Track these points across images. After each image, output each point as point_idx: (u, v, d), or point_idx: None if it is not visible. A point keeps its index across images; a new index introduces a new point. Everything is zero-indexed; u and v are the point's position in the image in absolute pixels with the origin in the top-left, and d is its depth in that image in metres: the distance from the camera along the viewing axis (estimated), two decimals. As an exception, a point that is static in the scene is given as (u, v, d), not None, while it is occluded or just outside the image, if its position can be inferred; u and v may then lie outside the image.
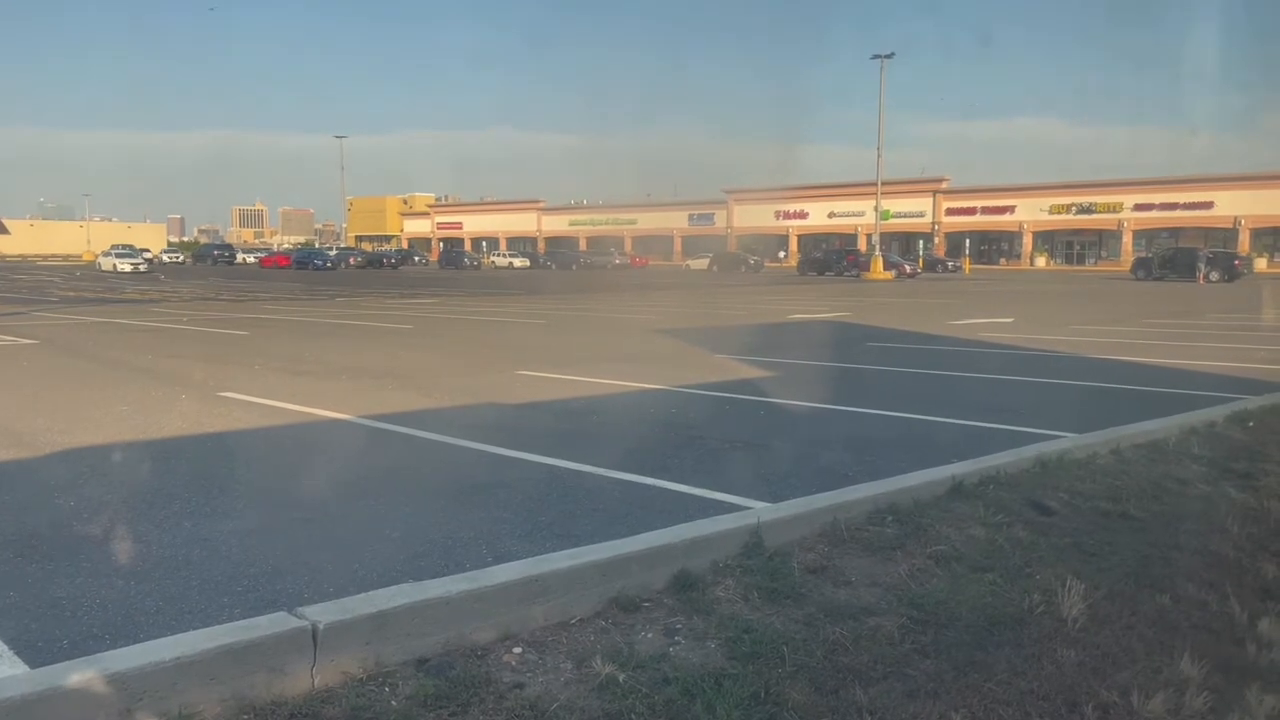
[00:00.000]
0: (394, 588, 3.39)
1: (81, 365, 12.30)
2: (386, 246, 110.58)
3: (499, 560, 4.04)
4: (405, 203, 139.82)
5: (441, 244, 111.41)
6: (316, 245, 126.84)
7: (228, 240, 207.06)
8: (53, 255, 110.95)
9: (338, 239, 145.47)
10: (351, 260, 74.87)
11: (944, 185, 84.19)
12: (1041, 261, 77.90)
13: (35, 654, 3.24)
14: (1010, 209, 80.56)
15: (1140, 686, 3.14)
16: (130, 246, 78.63)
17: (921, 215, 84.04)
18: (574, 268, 72.36)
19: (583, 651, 3.34)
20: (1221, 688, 3.17)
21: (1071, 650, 3.42)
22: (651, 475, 5.94)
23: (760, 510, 4.66)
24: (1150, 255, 56.30)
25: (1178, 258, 52.11)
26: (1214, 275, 47.94)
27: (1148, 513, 5.05)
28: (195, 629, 3.10)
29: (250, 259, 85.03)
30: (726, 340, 15.85)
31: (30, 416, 8.18)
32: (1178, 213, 72.73)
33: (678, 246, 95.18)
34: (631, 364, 12.39)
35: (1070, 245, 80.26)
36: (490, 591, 3.44)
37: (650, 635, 3.52)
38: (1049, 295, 33.76)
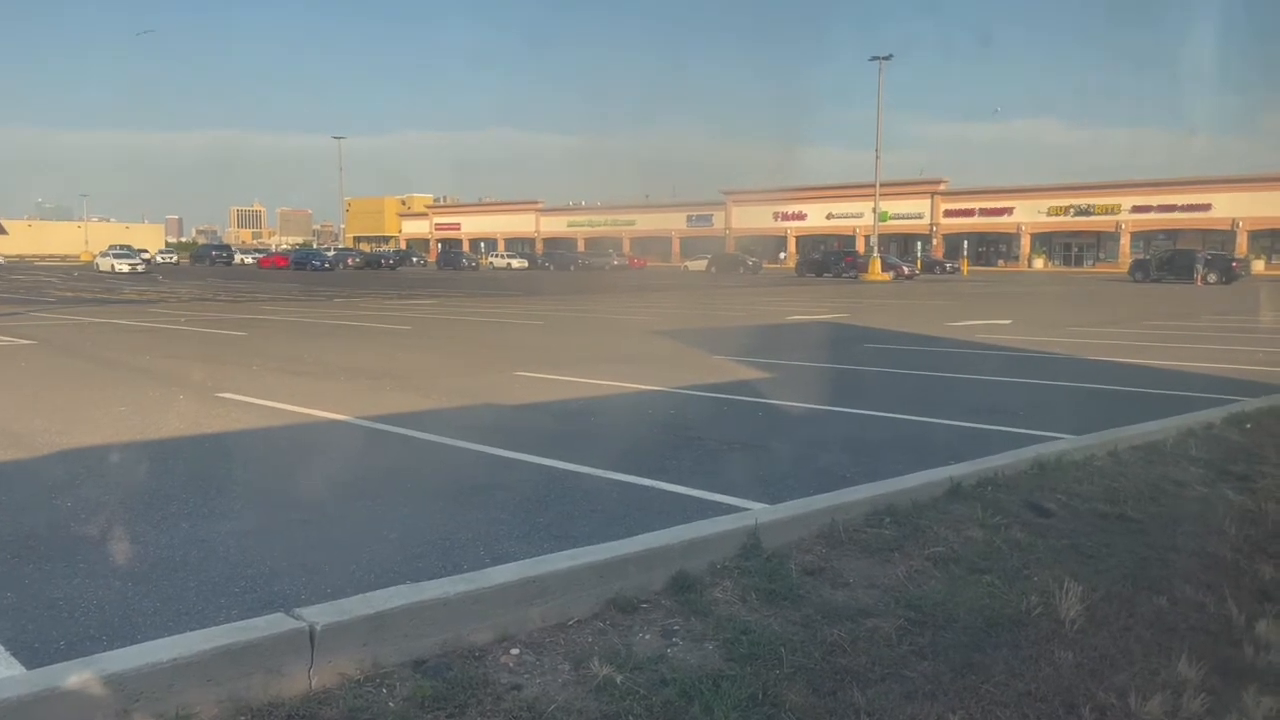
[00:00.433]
0: (391, 589, 3.38)
1: (79, 365, 12.29)
2: (385, 247, 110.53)
3: (497, 561, 4.03)
4: (403, 204, 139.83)
5: (439, 245, 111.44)
6: (314, 246, 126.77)
7: (226, 241, 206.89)
8: (50, 256, 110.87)
9: (335, 240, 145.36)
10: (349, 261, 74.84)
11: (942, 187, 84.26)
12: (1039, 263, 77.98)
13: (32, 655, 3.24)
14: (1008, 211, 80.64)
15: (1138, 688, 3.14)
16: (128, 247, 78.61)
17: (920, 217, 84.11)
18: (572, 269, 72.35)
19: (580, 653, 3.34)
20: (1219, 689, 3.17)
21: (1069, 652, 3.42)
22: (649, 476, 5.94)
23: (758, 512, 4.66)
24: (1148, 257, 56.38)
25: (1175, 259, 52.19)
26: (1211, 277, 48.01)
27: (1145, 514, 5.05)
28: (193, 630, 3.09)
29: (248, 259, 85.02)
30: (724, 341, 15.85)
31: (28, 417, 8.17)
32: (1175, 215, 72.83)
33: (676, 248, 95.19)
34: (629, 365, 12.40)
35: (1068, 247, 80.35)
36: (488, 593, 3.43)
37: (648, 636, 3.52)
38: (1047, 297, 33.79)
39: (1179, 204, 72.69)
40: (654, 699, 3.01)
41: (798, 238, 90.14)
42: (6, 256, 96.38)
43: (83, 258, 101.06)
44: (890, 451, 6.93)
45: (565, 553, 3.89)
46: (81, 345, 15.06)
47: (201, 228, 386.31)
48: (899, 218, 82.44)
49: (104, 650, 2.99)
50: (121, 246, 77.30)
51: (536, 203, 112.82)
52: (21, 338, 15.80)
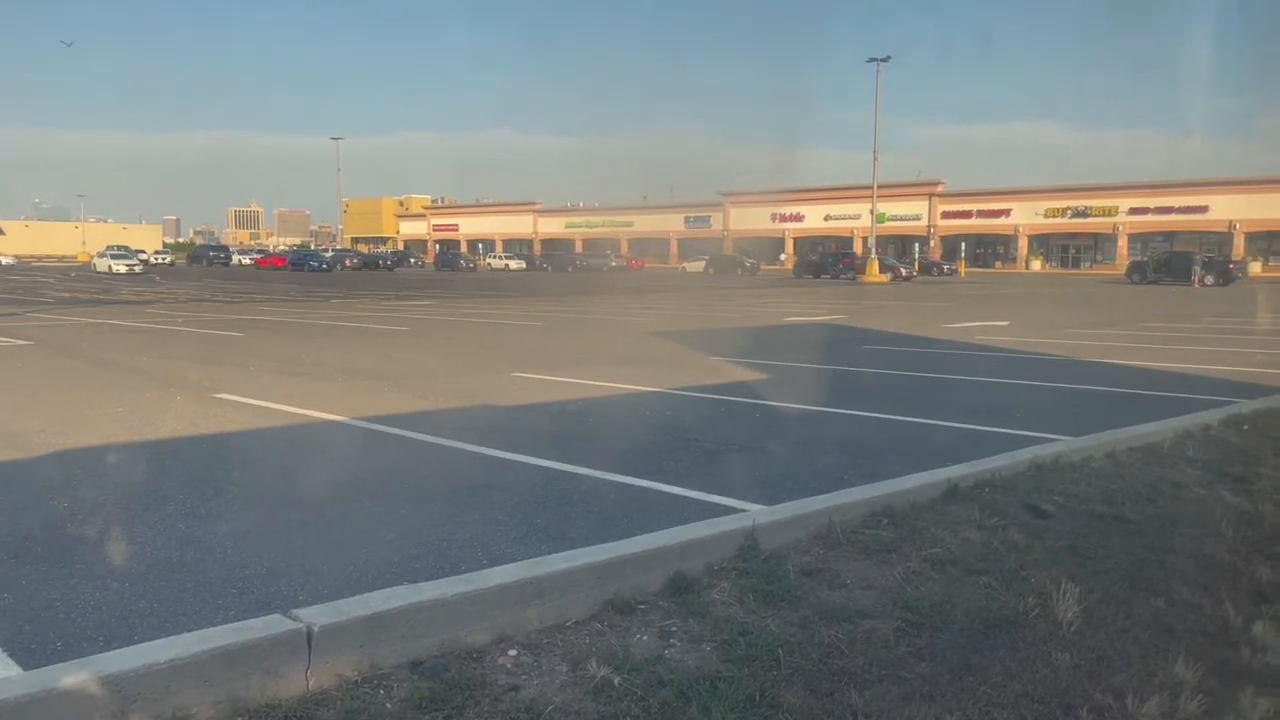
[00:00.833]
0: (389, 590, 3.38)
1: (76, 366, 12.27)
2: (382, 248, 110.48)
3: (494, 562, 4.03)
4: (401, 204, 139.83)
5: (437, 246, 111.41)
6: (312, 247, 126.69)
7: (223, 241, 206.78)
8: (47, 256, 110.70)
9: (333, 240, 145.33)
10: (347, 262, 74.78)
11: (940, 188, 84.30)
12: (1037, 265, 78.05)
13: (29, 656, 3.23)
14: (1006, 212, 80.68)
15: (1135, 690, 3.14)
16: (125, 248, 78.54)
17: (917, 218, 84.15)
18: (570, 270, 72.38)
19: (578, 654, 3.34)
20: (1216, 691, 3.17)
21: (1066, 653, 3.42)
22: (647, 478, 5.94)
23: (755, 513, 4.66)
24: (1145, 259, 56.42)
25: (1172, 261, 52.28)
26: (1208, 279, 48.08)
27: (1142, 516, 5.05)
28: (190, 631, 3.09)
29: (246, 260, 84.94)
30: (722, 343, 15.85)
31: (25, 417, 8.16)
32: (1173, 216, 72.90)
33: (674, 249, 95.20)
34: (627, 366, 12.39)
35: (1065, 249, 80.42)
36: (486, 594, 3.43)
37: (645, 638, 3.52)
38: (1044, 299, 33.81)
39: (1176, 206, 72.76)
40: (651, 700, 3.01)
41: (795, 239, 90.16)
42: (16, 256, 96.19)
43: (80, 258, 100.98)
44: (887, 453, 6.93)
45: (563, 554, 3.89)
46: (78, 346, 15.04)
47: (199, 228, 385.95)
48: (896, 219, 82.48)
49: (100, 651, 2.99)
50: (119, 247, 77.25)
51: (534, 204, 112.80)
52: (18, 338, 15.78)
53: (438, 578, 3.65)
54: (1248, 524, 4.93)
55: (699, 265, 70.81)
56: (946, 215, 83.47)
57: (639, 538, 4.14)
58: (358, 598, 3.29)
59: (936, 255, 76.85)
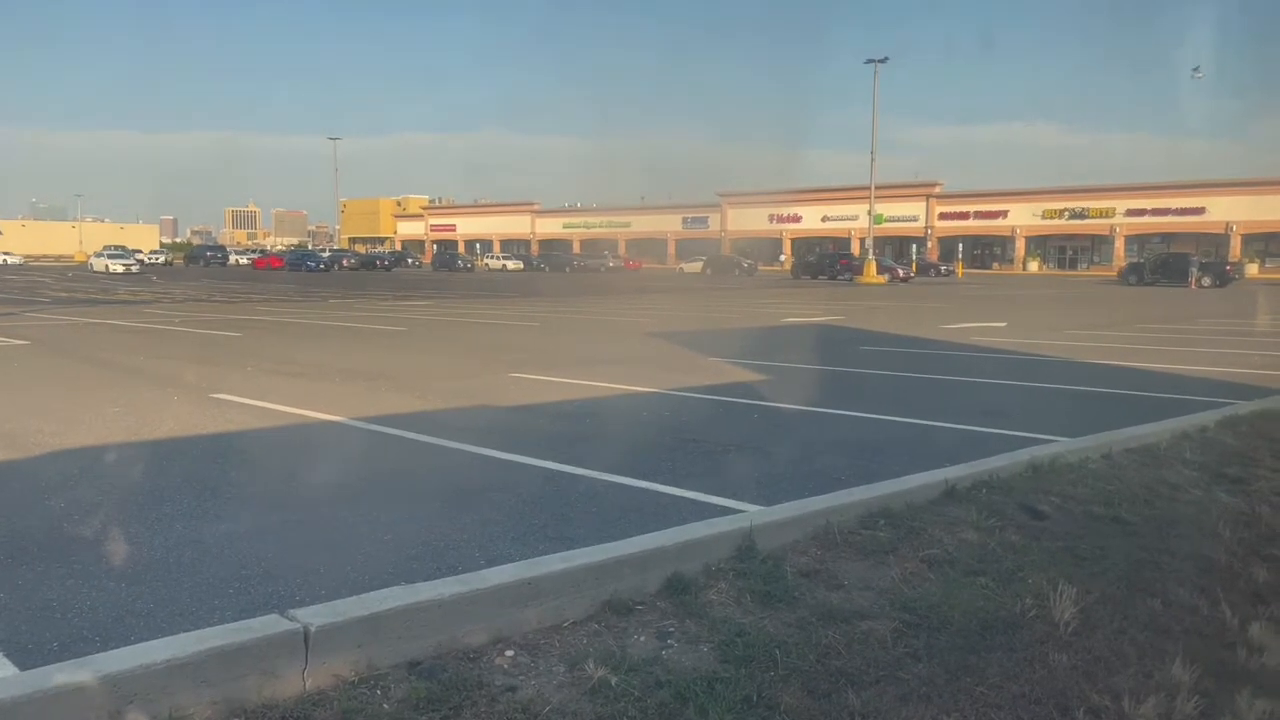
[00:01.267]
0: (386, 590, 3.37)
1: (73, 366, 12.26)
2: (380, 249, 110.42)
3: (492, 563, 4.03)
4: (399, 205, 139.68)
5: (435, 246, 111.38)
6: (310, 247, 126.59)
7: (220, 241, 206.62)
8: (44, 256, 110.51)
9: (330, 240, 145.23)
10: (345, 262, 74.78)
11: (937, 189, 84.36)
12: (1034, 266, 78.11)
13: (25, 656, 3.23)
14: (1003, 213, 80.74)
15: (1132, 691, 3.14)
16: (122, 247, 78.52)
17: (915, 219, 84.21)
18: (568, 270, 72.39)
19: (575, 654, 3.34)
20: (1213, 692, 3.17)
21: (1063, 654, 3.42)
22: (644, 478, 5.93)
23: (753, 514, 4.67)
24: (1141, 260, 56.45)
25: (1170, 263, 52.35)
26: (1205, 281, 48.14)
27: (1139, 517, 5.06)
28: (187, 631, 3.08)
29: (243, 260, 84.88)
30: (720, 343, 15.86)
31: (21, 417, 8.15)
32: (1170, 218, 72.98)
33: (671, 249, 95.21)
34: (625, 367, 12.39)
35: (1063, 250, 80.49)
36: (483, 594, 3.43)
37: (643, 638, 3.51)
38: (1041, 300, 33.84)
39: (1173, 207, 72.84)
40: (649, 701, 3.01)
41: (793, 240, 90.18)
42: (24, 256, 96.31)
43: (77, 258, 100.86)
44: (885, 454, 6.93)
45: (560, 554, 3.89)
46: (75, 346, 15.03)
47: (197, 228, 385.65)
48: (894, 220, 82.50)
49: (97, 651, 2.98)
50: (116, 247, 77.22)
51: (532, 204, 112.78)
52: (15, 338, 15.77)
53: (435, 578, 3.64)
54: (1244, 525, 4.94)
55: (696, 266, 70.85)
56: (944, 216, 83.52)
57: (636, 538, 4.14)
58: (355, 598, 3.28)
59: (934, 256, 76.90)
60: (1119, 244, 74.24)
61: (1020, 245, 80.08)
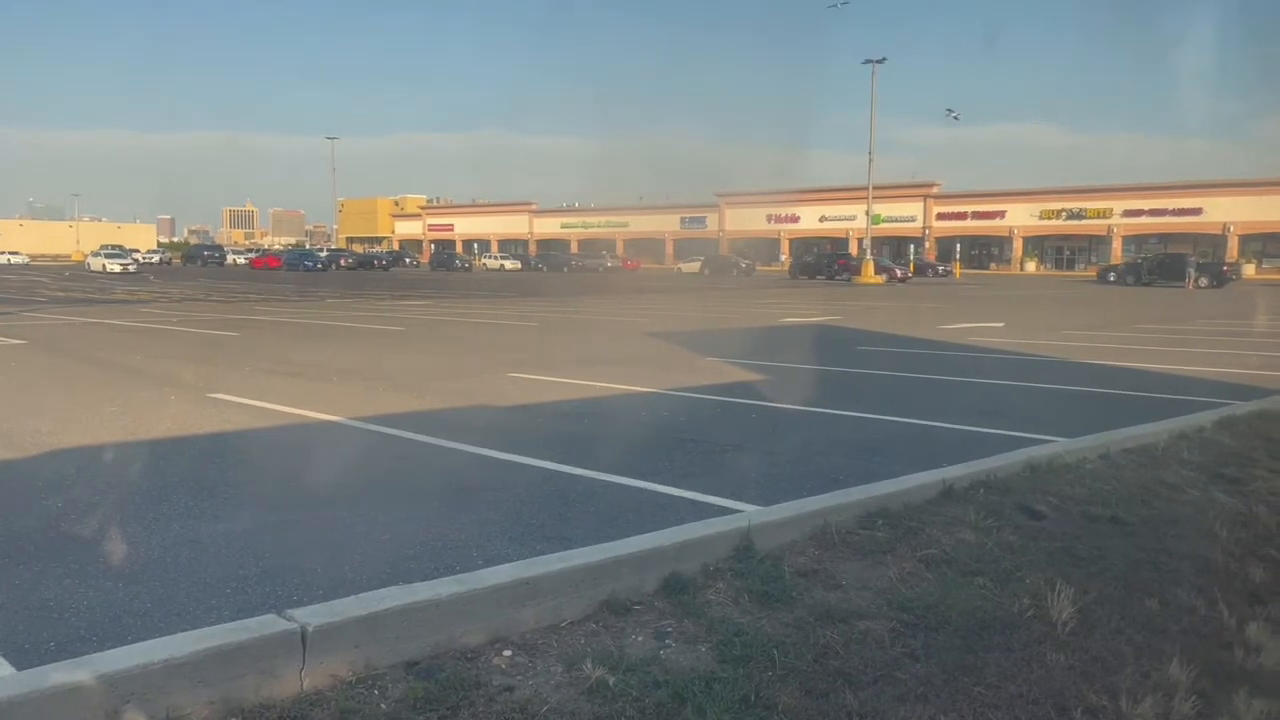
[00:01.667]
0: (383, 590, 3.37)
1: (70, 366, 12.24)
2: (378, 248, 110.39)
3: (489, 563, 4.03)
4: (397, 204, 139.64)
5: (433, 246, 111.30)
6: (307, 246, 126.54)
7: (218, 241, 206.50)
8: (41, 255, 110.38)
9: (328, 240, 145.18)
10: (342, 262, 74.76)
11: (935, 190, 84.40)
12: (1031, 266, 78.19)
13: (22, 656, 3.22)
14: (1000, 214, 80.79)
15: (1129, 691, 3.15)
16: (120, 247, 78.50)
17: (912, 220, 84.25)
18: (565, 270, 72.40)
19: (573, 654, 3.33)
20: (1210, 692, 3.18)
21: (1061, 654, 3.42)
22: (642, 478, 5.93)
23: (751, 513, 4.67)
24: (1140, 260, 56.51)
25: (1166, 263, 52.47)
26: (1203, 281, 48.22)
27: (1137, 517, 5.06)
28: (184, 631, 3.07)
29: (241, 260, 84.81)
30: (718, 343, 15.86)
31: (18, 416, 8.14)
32: (1167, 218, 73.05)
33: (669, 249, 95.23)
34: (623, 367, 12.39)
35: (1060, 250, 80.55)
36: (480, 594, 3.43)
37: (641, 638, 3.51)
38: (1039, 300, 33.87)
39: (1170, 208, 72.90)
40: (646, 701, 3.00)
41: (791, 240, 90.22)
42: (30, 255, 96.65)
43: (74, 257, 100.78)
44: (882, 454, 6.93)
45: (558, 554, 3.89)
46: (73, 345, 15.01)
47: (194, 228, 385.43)
48: (892, 220, 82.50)
49: (94, 651, 2.98)
50: (113, 246, 77.17)
51: (530, 204, 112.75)
52: (12, 337, 15.75)
53: (433, 578, 3.64)
54: (1242, 526, 4.95)
55: (695, 266, 70.86)
56: (941, 217, 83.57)
57: (634, 538, 4.14)
58: (353, 598, 3.28)
59: (931, 256, 76.92)
60: (1116, 244, 74.28)
61: (1018, 245, 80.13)
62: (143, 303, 26.96)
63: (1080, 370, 12.37)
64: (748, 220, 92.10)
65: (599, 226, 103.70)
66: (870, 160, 57.33)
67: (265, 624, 3.00)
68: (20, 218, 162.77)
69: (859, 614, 3.73)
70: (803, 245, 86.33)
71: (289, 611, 3.10)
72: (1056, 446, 6.40)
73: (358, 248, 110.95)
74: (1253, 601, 3.96)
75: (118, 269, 59.68)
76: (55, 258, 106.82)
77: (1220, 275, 49.52)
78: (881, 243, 75.42)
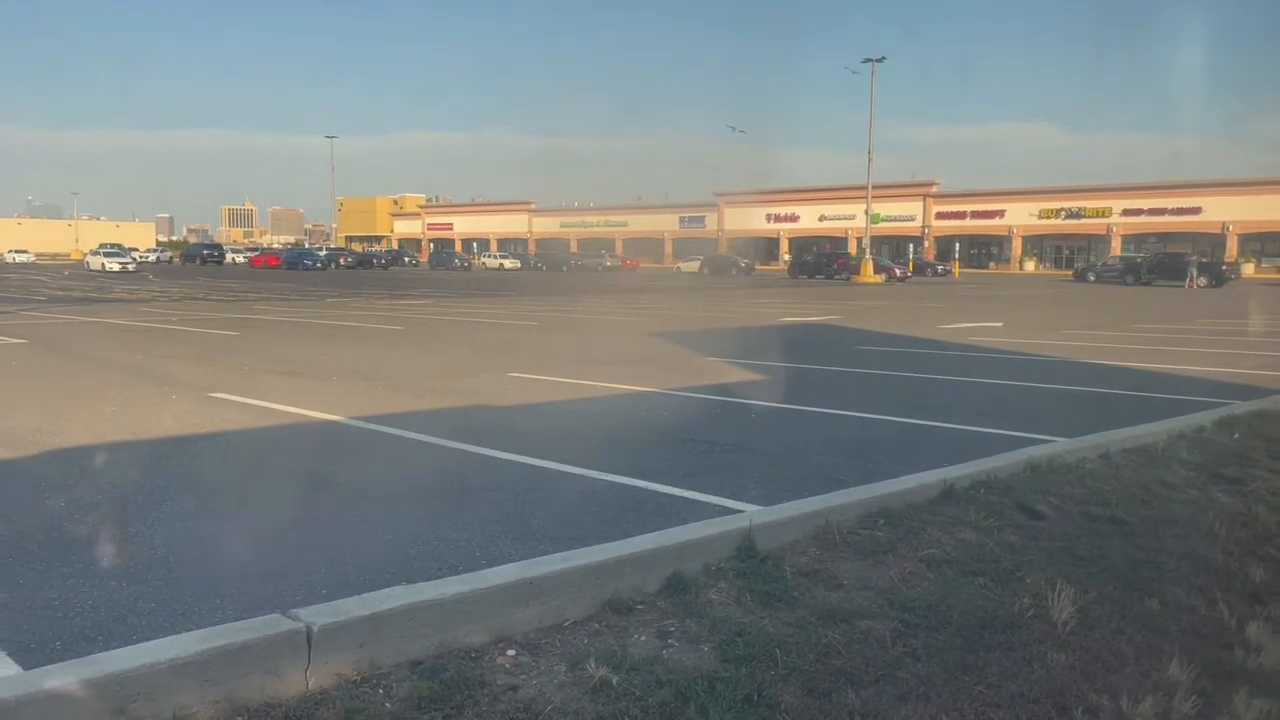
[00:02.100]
0: (387, 590, 3.38)
1: (71, 365, 12.25)
2: (377, 247, 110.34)
3: (492, 563, 4.04)
4: (396, 203, 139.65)
5: (432, 245, 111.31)
6: (306, 245, 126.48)
7: (217, 239, 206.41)
8: (41, 254, 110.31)
9: (327, 239, 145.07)
10: (342, 261, 74.74)
11: (934, 189, 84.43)
12: (1031, 266, 78.22)
13: (28, 655, 3.23)
14: (1000, 213, 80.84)
15: (1130, 690, 3.16)
16: (119, 246, 78.40)
17: (911, 219, 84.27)
18: (565, 269, 72.40)
19: (576, 654, 3.35)
20: (1210, 692, 3.19)
21: (1062, 654, 3.44)
22: (644, 478, 5.94)
23: (752, 513, 4.68)
24: (1139, 260, 56.59)
25: (1166, 262, 52.57)
26: (1201, 280, 48.29)
27: (1137, 517, 5.08)
28: (188, 630, 3.09)
29: (240, 259, 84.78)
30: (718, 343, 15.87)
31: (19, 415, 8.15)
32: (1166, 218, 73.09)
33: (668, 249, 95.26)
34: (623, 366, 12.40)
35: (1059, 250, 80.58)
36: (484, 594, 3.44)
37: (644, 638, 3.53)
38: (1038, 300, 33.89)
39: (1169, 207, 72.94)
40: (650, 700, 3.02)
41: (790, 239, 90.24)
42: (36, 254, 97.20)
43: (73, 256, 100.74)
44: (882, 454, 6.95)
45: (560, 554, 3.90)
46: (73, 344, 15.02)
47: (193, 226, 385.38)
48: (891, 220, 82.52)
49: (100, 650, 2.99)
50: (112, 245, 77.10)
51: (529, 203, 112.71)
52: (12, 336, 15.75)
53: (435, 578, 3.65)
54: (1241, 525, 4.96)
55: (694, 265, 70.86)
56: (941, 216, 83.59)
57: (637, 538, 4.15)
58: (357, 598, 3.29)
59: (931, 256, 76.99)
60: (1115, 244, 74.30)
61: (1017, 245, 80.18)
62: (142, 302, 26.95)
63: (1079, 370, 12.39)
64: (747, 219, 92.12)
65: (598, 226, 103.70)
66: (869, 159, 57.36)
67: (270, 623, 3.01)
68: (19, 216, 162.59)
69: (861, 614, 3.75)
70: (802, 244, 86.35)
71: (294, 611, 3.11)
72: (1056, 446, 6.41)
73: (357, 247, 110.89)
74: (1253, 601, 3.98)
75: (117, 268, 59.60)
76: (54, 256, 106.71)
77: (1219, 275, 49.58)
78: (881, 242, 75.46)
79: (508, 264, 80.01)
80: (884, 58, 55.48)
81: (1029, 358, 14.02)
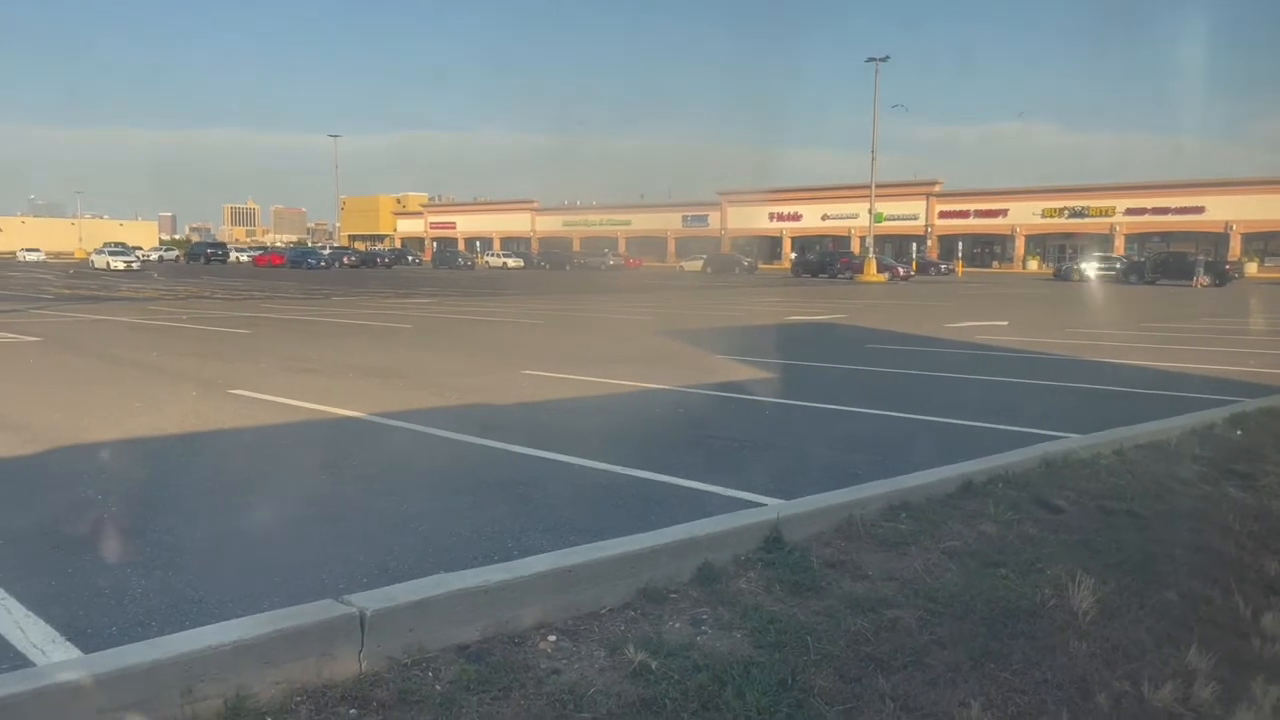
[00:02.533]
0: (434, 577, 3.50)
1: (88, 363, 12.37)
2: (380, 246, 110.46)
3: (525, 553, 4.15)
4: (399, 202, 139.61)
5: (435, 244, 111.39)
6: (309, 244, 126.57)
7: (219, 238, 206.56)
8: (44, 252, 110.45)
9: (329, 237, 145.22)
10: (345, 260, 74.89)
11: (937, 188, 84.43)
12: (1034, 265, 78.21)
13: (87, 640, 3.34)
14: (1003, 212, 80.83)
15: (1150, 677, 3.26)
16: (123, 244, 78.55)
17: (915, 218, 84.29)
18: (568, 268, 72.49)
19: (615, 639, 3.46)
20: (1228, 679, 3.29)
21: (1083, 642, 3.54)
22: (666, 473, 6.04)
23: (780, 506, 4.78)
24: (1144, 259, 56.75)
25: (1170, 262, 52.71)
26: (1205, 280, 48.38)
27: (1152, 511, 5.18)
28: (238, 618, 3.19)
29: (244, 257, 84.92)
30: (727, 341, 15.97)
31: (47, 412, 8.26)
32: (1169, 217, 73.08)
33: (671, 248, 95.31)
34: (635, 364, 12.51)
35: (1062, 249, 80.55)
36: (525, 581, 3.55)
37: (678, 625, 3.64)
38: (1042, 298, 33.96)
39: (1172, 207, 72.92)
40: (688, 683, 3.13)
41: (793, 238, 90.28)
42: (47, 253, 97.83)
43: (77, 254, 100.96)
44: (897, 449, 7.05)
45: (595, 544, 4.01)
46: (87, 342, 15.14)
47: (195, 225, 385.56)
48: (894, 219, 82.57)
49: (156, 636, 3.09)
50: (116, 244, 77.25)
51: (532, 202, 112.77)
52: (26, 334, 15.87)
53: (470, 567, 3.76)
54: (1254, 519, 5.06)
55: (697, 264, 70.93)
56: (944, 215, 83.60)
57: (668, 529, 4.26)
58: (405, 584, 3.40)
59: (934, 255, 77.00)
60: (1119, 243, 74.29)
61: (1020, 244, 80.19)
62: (150, 300, 27.07)
63: (1087, 368, 12.48)
64: (750, 218, 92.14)
65: (601, 225, 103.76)
66: (873, 158, 57.47)
67: (324, 609, 3.12)
68: (22, 215, 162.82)
69: (887, 603, 3.85)
70: (805, 243, 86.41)
71: (346, 597, 3.23)
72: (1071, 442, 6.52)
73: (360, 245, 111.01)
74: (1268, 593, 4.08)
75: (122, 266, 59.71)
76: (58, 255, 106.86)
77: (1223, 274, 49.66)
78: (884, 241, 75.49)
79: (511, 263, 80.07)
80: (888, 57, 55.57)
81: (1037, 356, 14.12)
